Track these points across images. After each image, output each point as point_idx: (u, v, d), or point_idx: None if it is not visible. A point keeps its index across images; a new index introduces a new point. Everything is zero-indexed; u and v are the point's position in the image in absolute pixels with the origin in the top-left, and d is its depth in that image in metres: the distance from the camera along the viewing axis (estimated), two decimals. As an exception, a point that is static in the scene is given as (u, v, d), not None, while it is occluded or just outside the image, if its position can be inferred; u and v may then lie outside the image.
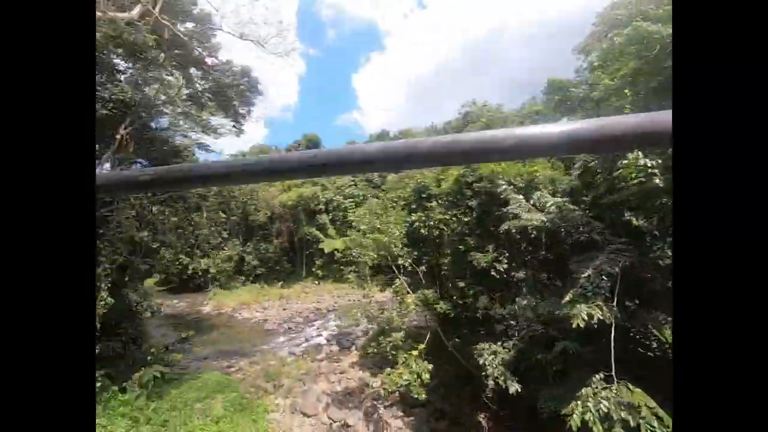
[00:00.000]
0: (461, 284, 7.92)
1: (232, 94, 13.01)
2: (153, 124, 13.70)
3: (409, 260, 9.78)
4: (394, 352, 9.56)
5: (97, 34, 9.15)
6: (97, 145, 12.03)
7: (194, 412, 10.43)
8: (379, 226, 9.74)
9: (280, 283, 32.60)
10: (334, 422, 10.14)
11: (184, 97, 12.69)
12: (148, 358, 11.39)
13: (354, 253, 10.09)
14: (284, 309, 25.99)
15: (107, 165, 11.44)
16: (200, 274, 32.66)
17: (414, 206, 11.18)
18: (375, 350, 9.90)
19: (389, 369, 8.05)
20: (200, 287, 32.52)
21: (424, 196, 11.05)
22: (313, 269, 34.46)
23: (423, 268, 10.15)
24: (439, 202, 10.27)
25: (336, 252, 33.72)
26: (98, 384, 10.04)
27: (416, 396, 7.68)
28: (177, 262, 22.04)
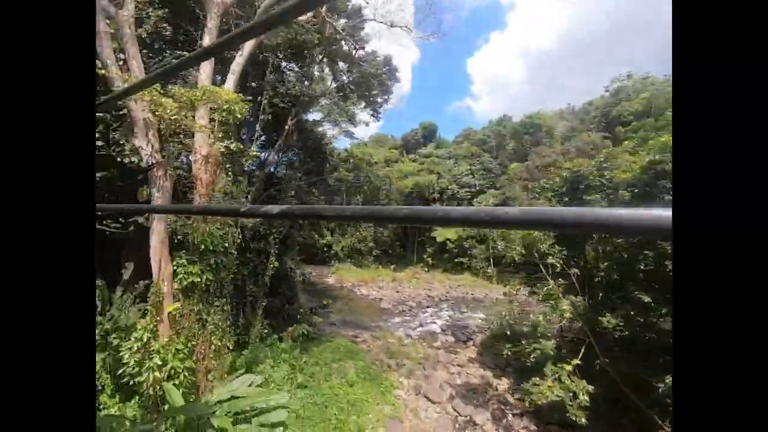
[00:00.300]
0: (646, 299, 6.35)
1: (374, 83, 13.66)
2: (306, 116, 15.61)
3: (560, 260, 8.50)
4: (533, 359, 8.59)
5: (278, 39, 10.59)
6: (265, 136, 14.44)
7: (332, 371, 11.79)
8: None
9: (393, 266, 34.19)
10: (460, 416, 9.91)
11: (333, 89, 13.82)
12: (298, 316, 13.37)
13: (499, 247, 9.36)
14: (397, 291, 27.18)
15: (273, 154, 13.61)
16: (325, 249, 36.98)
17: (567, 198, 9.65)
18: (509, 352, 9.10)
19: (537, 379, 7.22)
20: (324, 261, 36.84)
21: (581, 187, 9.39)
22: (424, 256, 34.93)
23: (576, 270, 8.71)
24: (607, 193, 8.53)
25: (448, 242, 33.28)
26: (265, 331, 12.32)
27: (574, 417, 6.67)
28: (311, 237, 25.20)
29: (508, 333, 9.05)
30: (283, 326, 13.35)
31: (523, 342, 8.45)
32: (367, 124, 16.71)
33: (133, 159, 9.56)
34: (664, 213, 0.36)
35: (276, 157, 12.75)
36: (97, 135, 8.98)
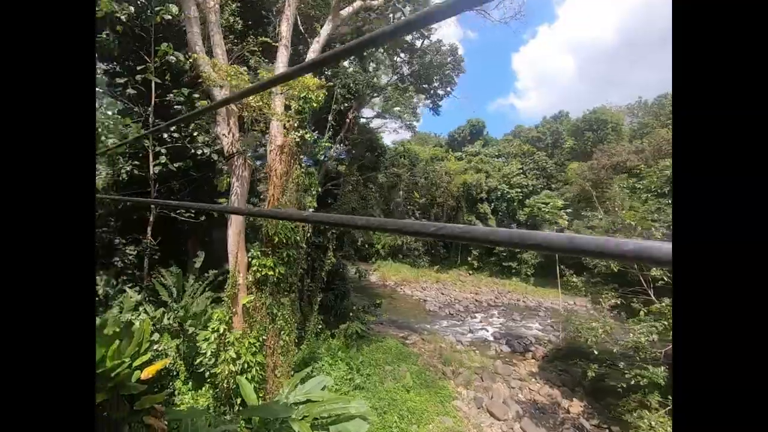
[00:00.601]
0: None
1: (437, 75, 12.94)
2: (362, 110, 15.24)
3: (666, 272, 7.23)
4: (624, 385, 7.44)
5: (347, 27, 10.22)
6: (324, 129, 14.31)
7: (386, 373, 11.36)
8: (632, 222, 7.52)
9: (436, 267, 33.24)
10: (531, 438, 8.98)
11: (396, 81, 13.30)
12: (350, 314, 13.11)
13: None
14: (442, 293, 26.30)
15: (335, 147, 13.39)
16: (366, 246, 36.84)
17: (671, 201, 8.27)
18: (593, 373, 7.99)
19: (646, 412, 6.12)
20: (365, 258, 36.67)
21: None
22: (469, 259, 33.54)
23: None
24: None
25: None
26: (319, 327, 12.17)
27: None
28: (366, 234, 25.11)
29: (596, 352, 7.92)
30: (334, 323, 13.17)
31: (621, 365, 7.29)
32: (417, 120, 16.01)
33: (205, 150, 9.79)
34: (665, 245, 0.39)
35: (335, 151, 12.55)
36: (173, 127, 9.27)
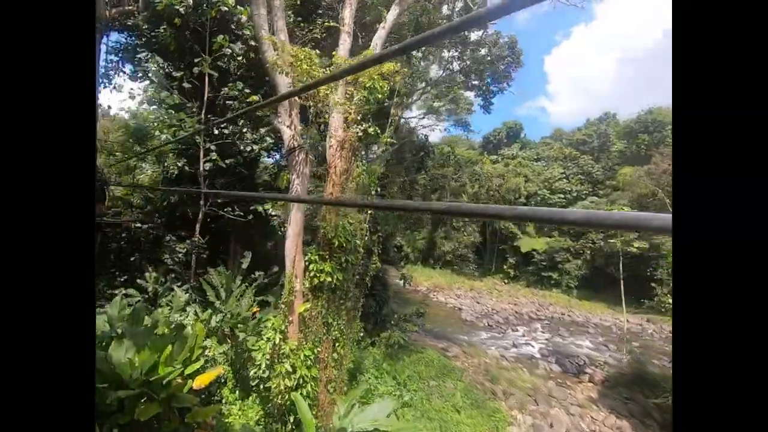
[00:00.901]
0: None
1: (490, 70, 12.02)
2: (408, 110, 14.56)
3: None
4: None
5: (405, 18, 9.54)
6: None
7: (431, 389, 10.54)
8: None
9: (469, 275, 31.90)
10: (606, 479, 7.83)
11: (441, 78, 12.53)
12: (392, 321, 12.40)
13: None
14: (478, 302, 25.04)
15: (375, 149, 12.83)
16: (395, 249, 36.04)
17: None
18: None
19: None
20: (393, 261, 35.82)
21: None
22: (505, 267, 31.93)
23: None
24: None
25: (534, 253, 29.89)
26: (360, 335, 11.54)
27: None
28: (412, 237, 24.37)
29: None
30: (372, 330, 12.53)
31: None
32: (460, 119, 15.10)
33: (253, 147, 9.50)
34: (665, 217, 0.38)
35: (381, 150, 11.98)
36: (222, 124, 9.01)
